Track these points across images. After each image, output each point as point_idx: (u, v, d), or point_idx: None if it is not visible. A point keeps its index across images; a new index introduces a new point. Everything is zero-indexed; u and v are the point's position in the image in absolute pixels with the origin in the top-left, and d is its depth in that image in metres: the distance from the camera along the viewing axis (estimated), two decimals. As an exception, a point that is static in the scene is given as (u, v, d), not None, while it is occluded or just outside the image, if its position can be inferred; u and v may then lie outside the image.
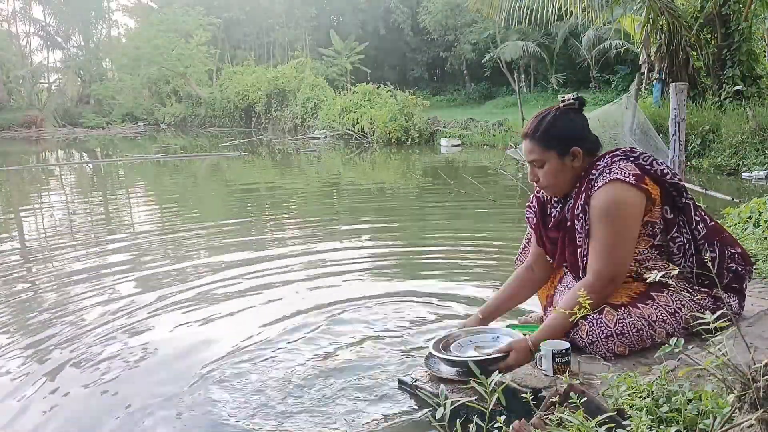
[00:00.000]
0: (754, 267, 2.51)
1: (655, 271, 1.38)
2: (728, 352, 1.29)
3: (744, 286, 2.17)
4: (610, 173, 2.03)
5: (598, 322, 1.99)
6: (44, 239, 6.05)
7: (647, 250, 2.09)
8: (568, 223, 2.13)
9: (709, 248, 2.10)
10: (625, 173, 2.01)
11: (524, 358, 2.01)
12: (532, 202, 2.33)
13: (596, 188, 2.03)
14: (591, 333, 1.99)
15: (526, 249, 2.48)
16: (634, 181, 2.00)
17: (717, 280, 1.95)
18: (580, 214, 2.07)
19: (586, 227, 2.06)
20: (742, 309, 2.17)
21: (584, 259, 2.10)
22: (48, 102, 35.26)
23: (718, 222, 2.24)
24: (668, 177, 2.08)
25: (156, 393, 2.43)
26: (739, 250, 2.16)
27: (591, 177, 2.07)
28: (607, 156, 2.10)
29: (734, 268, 2.12)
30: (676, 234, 2.10)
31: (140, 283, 4.09)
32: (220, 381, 2.48)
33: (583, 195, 2.07)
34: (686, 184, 2.19)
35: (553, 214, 2.24)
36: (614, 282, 2.03)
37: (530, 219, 2.34)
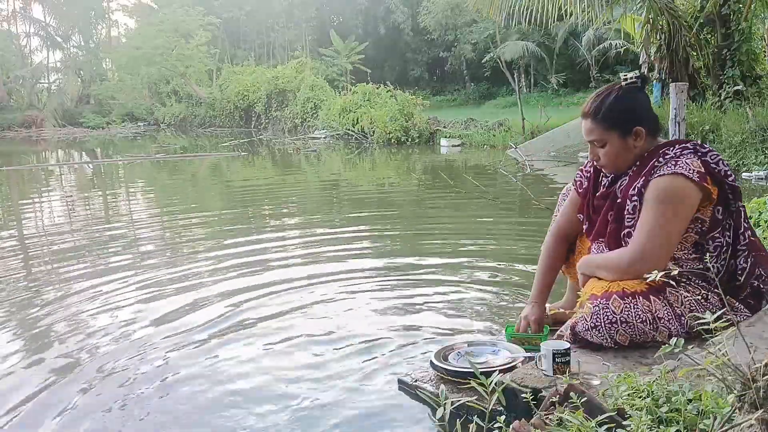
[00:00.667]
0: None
1: (655, 271, 1.38)
2: (728, 352, 1.29)
3: (762, 304, 2.12)
4: (675, 165, 2.02)
5: (604, 307, 1.99)
6: (43, 233, 6.05)
7: (687, 246, 2.08)
8: (618, 200, 2.13)
9: (743, 258, 2.09)
10: (690, 169, 2.00)
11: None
12: (586, 167, 2.33)
13: (657, 175, 2.03)
14: (596, 317, 1.99)
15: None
16: (697, 179, 2.00)
17: (739, 284, 1.97)
18: (636, 197, 2.07)
19: (639, 209, 2.06)
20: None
21: (626, 239, 2.10)
22: (48, 102, 35.26)
23: (759, 239, 2.22)
24: (730, 179, 2.07)
25: (128, 384, 2.43)
26: None
27: (657, 164, 2.05)
28: (676, 146, 2.09)
29: (756, 285, 2.10)
30: (718, 234, 2.09)
31: (130, 277, 4.10)
32: (208, 379, 2.48)
33: (642, 179, 2.06)
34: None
35: (603, 184, 2.25)
36: (646, 263, 1.95)
37: (579, 182, 2.34)
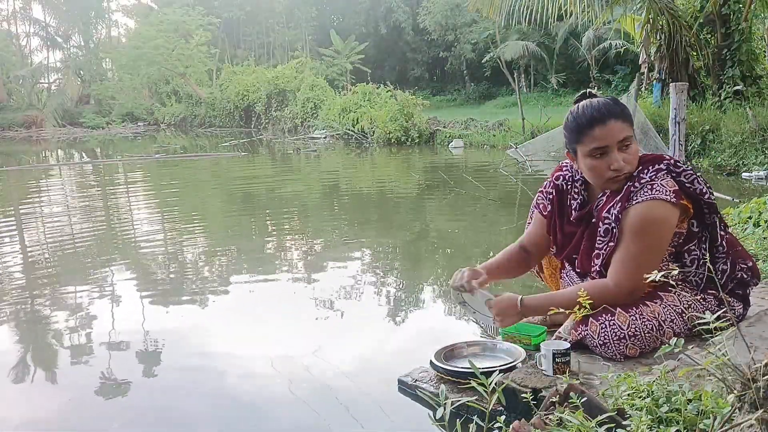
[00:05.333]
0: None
1: (655, 271, 1.38)
2: (728, 352, 1.29)
3: (748, 292, 2.18)
4: (651, 190, 2.00)
5: (611, 323, 1.98)
6: (42, 233, 6.06)
7: (665, 257, 2.09)
8: (593, 220, 2.11)
9: (721, 262, 2.11)
10: (665, 191, 2.00)
11: (508, 311, 2.07)
12: (547, 188, 2.30)
13: (635, 202, 2.01)
14: (603, 334, 1.98)
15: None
16: (673, 199, 1.99)
17: (720, 285, 1.96)
18: (612, 222, 2.05)
19: (613, 233, 2.04)
20: (745, 314, 2.17)
21: (597, 261, 2.09)
22: (48, 102, 35.21)
23: (733, 234, 2.24)
24: (706, 197, 2.07)
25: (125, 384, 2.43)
26: (750, 264, 2.17)
27: (633, 189, 2.03)
28: (650, 167, 2.06)
29: (740, 276, 2.13)
30: (694, 247, 2.10)
31: (129, 279, 4.10)
32: (207, 380, 2.48)
33: (619, 204, 2.04)
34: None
35: (573, 207, 2.21)
36: (632, 294, 2.02)
37: (543, 205, 2.30)
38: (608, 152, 2.02)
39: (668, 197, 1.99)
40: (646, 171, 2.06)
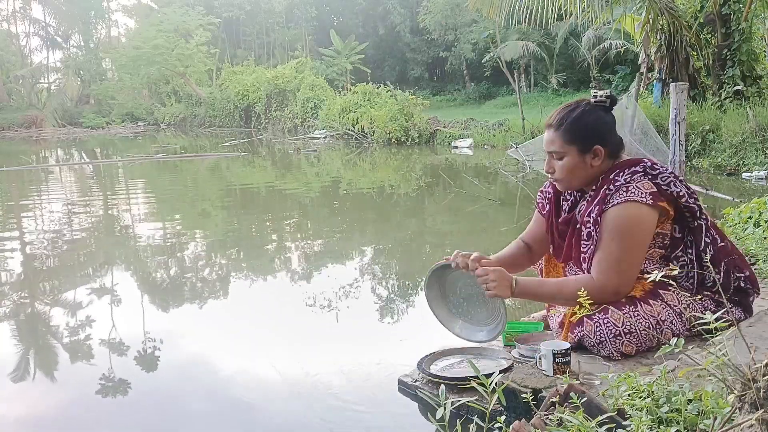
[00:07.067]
0: (755, 267, 2.50)
1: (656, 271, 1.38)
2: (728, 352, 1.29)
3: (750, 300, 2.15)
4: (627, 192, 2.01)
5: (606, 321, 1.98)
6: (42, 234, 6.06)
7: (655, 259, 2.09)
8: (578, 225, 2.12)
9: (714, 270, 2.08)
10: (642, 193, 2.00)
11: (502, 285, 2.00)
12: (546, 188, 2.31)
13: (611, 204, 2.02)
14: (599, 332, 1.98)
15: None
16: (650, 201, 1.99)
17: (714, 291, 1.96)
18: (591, 225, 2.06)
19: (594, 236, 2.05)
20: (745, 319, 2.16)
21: (584, 264, 2.10)
22: (48, 102, 35.23)
23: (731, 242, 2.21)
24: (683, 200, 2.06)
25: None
26: (747, 273, 2.14)
27: (608, 192, 2.04)
28: (627, 170, 2.06)
29: (737, 284, 2.11)
30: (681, 253, 2.09)
31: (129, 280, 4.10)
32: (207, 382, 2.48)
33: (597, 208, 2.05)
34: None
35: (564, 209, 2.23)
36: (617, 295, 2.03)
37: (541, 204, 2.32)
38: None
39: (644, 199, 1.99)
40: (621, 173, 2.06)
